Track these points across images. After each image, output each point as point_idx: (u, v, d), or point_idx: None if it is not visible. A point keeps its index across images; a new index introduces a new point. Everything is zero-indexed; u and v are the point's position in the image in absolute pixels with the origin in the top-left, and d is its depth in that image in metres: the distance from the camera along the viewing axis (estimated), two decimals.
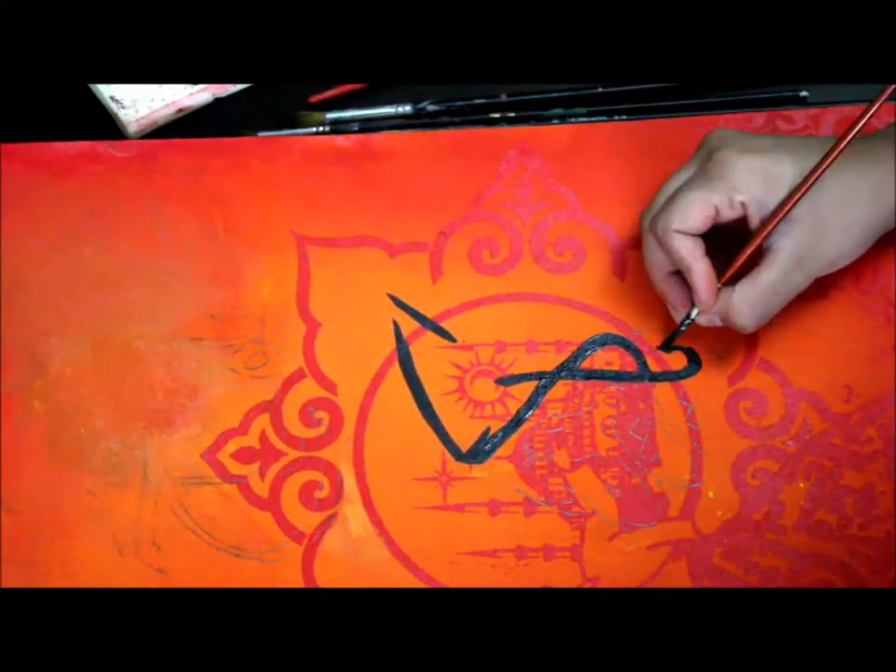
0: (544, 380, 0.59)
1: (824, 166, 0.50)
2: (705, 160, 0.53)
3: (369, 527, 0.57)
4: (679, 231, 0.52)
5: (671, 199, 0.52)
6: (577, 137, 0.62)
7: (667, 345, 0.58)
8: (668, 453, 0.58)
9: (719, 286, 0.53)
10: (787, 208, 0.51)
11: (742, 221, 0.52)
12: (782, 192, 0.51)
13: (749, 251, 0.52)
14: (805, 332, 0.59)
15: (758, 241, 0.52)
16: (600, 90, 0.64)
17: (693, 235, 0.52)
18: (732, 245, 0.53)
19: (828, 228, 0.52)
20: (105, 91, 0.63)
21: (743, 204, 0.51)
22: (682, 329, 0.56)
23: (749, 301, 0.52)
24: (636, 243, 0.60)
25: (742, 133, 0.53)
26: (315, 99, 0.65)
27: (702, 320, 0.54)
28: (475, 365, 0.59)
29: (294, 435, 0.59)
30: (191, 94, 0.64)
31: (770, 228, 0.51)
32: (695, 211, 0.51)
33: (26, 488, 0.58)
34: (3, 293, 0.60)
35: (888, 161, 0.53)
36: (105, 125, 0.64)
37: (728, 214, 0.52)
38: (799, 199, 0.51)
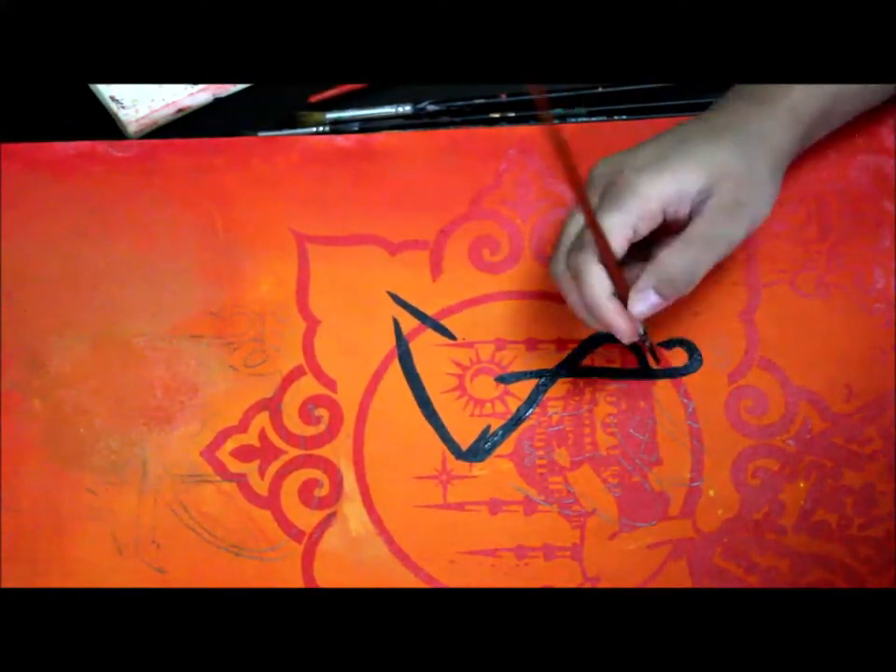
0: (544, 378, 0.59)
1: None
2: (605, 188, 0.52)
3: (368, 526, 0.57)
4: (600, 263, 0.51)
5: (583, 234, 0.52)
6: (577, 137, 0.62)
7: (655, 358, 0.58)
8: (669, 451, 0.58)
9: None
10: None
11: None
12: (692, 179, 0.51)
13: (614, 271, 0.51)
14: (806, 332, 0.59)
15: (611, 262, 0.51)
16: (600, 90, 0.64)
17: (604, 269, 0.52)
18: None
19: (743, 180, 0.52)
20: (105, 90, 0.63)
21: (662, 211, 0.51)
22: (646, 343, 0.56)
23: (679, 254, 0.51)
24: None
25: (624, 154, 0.53)
26: (314, 99, 0.65)
27: (638, 305, 0.52)
28: (475, 363, 0.59)
29: (294, 433, 0.59)
30: (191, 94, 0.64)
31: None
32: (615, 237, 0.51)
33: (26, 487, 0.58)
34: (3, 293, 0.61)
35: (754, 109, 0.53)
36: (105, 125, 0.64)
37: (645, 229, 0.51)
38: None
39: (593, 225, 0.50)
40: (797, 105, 0.54)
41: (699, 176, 0.51)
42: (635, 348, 0.59)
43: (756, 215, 0.53)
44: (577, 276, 0.52)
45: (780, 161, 0.54)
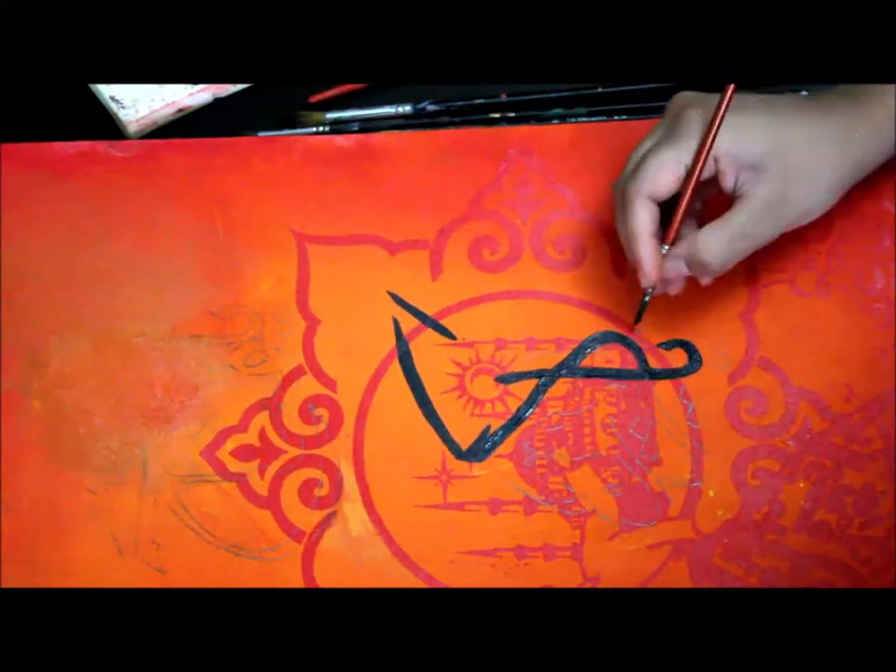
0: (544, 378, 0.59)
1: (718, 118, 0.51)
2: (671, 124, 0.53)
3: (368, 526, 0.57)
4: (649, 196, 0.52)
5: (641, 162, 0.52)
6: (577, 137, 0.62)
7: (638, 320, 0.58)
8: (669, 452, 0.58)
9: (665, 248, 0.53)
10: (701, 163, 0.51)
11: (710, 181, 0.53)
12: (755, 142, 0.51)
13: (684, 203, 0.52)
14: (806, 332, 0.59)
15: (689, 192, 0.52)
16: (600, 90, 0.64)
17: (657, 204, 0.52)
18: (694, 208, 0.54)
19: (797, 178, 0.52)
20: (105, 90, 0.63)
21: (715, 159, 0.51)
22: (647, 298, 0.56)
23: (716, 238, 0.52)
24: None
25: (706, 94, 0.53)
26: (314, 99, 0.65)
27: (667, 267, 0.53)
28: (475, 363, 0.59)
29: (294, 433, 0.59)
30: (191, 94, 0.64)
31: (694, 182, 0.52)
32: (666, 172, 0.51)
33: (26, 487, 0.58)
34: (3, 293, 0.61)
35: (851, 111, 0.53)
36: (105, 125, 0.64)
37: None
38: (708, 154, 0.51)
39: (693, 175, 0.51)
40: (892, 115, 0.53)
41: (757, 148, 0.51)
42: (634, 347, 0.59)
43: (801, 215, 0.53)
44: (625, 205, 0.53)
45: (855, 170, 0.53)
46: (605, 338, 0.59)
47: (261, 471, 0.58)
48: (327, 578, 0.57)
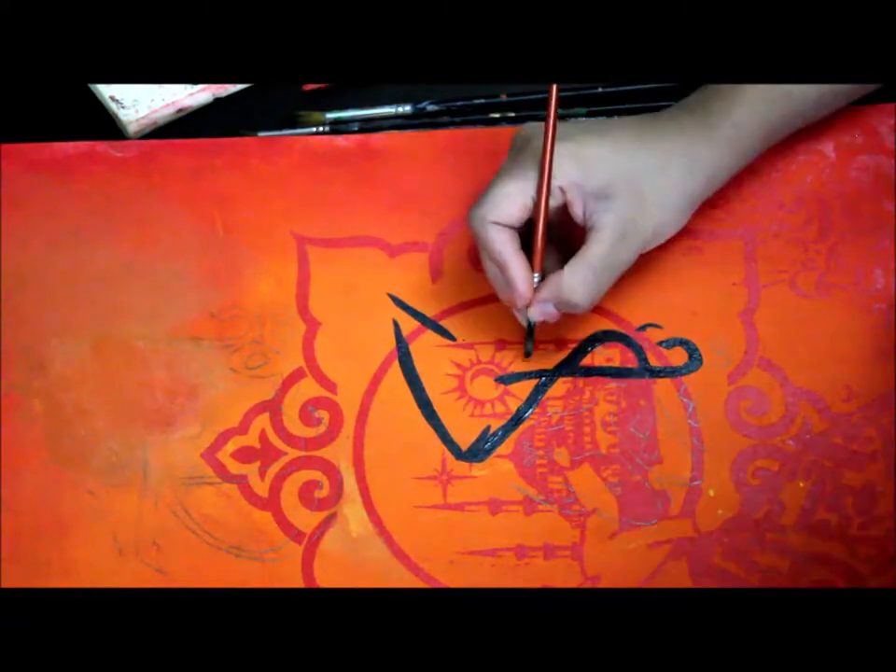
0: (544, 378, 0.59)
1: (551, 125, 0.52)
2: (517, 152, 0.53)
3: (369, 527, 0.57)
4: (495, 223, 0.52)
5: (487, 191, 0.53)
6: None
7: (529, 353, 0.58)
8: (669, 450, 0.58)
9: (536, 276, 0.54)
10: (544, 187, 0.52)
11: (562, 209, 0.53)
12: (598, 171, 0.51)
13: (539, 234, 0.53)
14: (806, 332, 0.59)
15: (540, 223, 0.53)
16: (600, 90, 0.64)
17: (510, 228, 0.53)
18: (554, 235, 0.55)
19: (645, 203, 0.52)
20: (105, 90, 0.63)
21: (561, 189, 0.52)
22: (532, 330, 0.56)
23: (579, 277, 0.52)
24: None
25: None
26: (308, 88, 0.65)
27: (535, 312, 0.54)
28: (475, 364, 0.59)
29: (294, 434, 0.59)
30: (191, 94, 0.64)
31: (542, 209, 0.52)
32: (511, 202, 0.52)
33: (26, 488, 0.58)
34: (3, 293, 0.61)
35: (694, 129, 0.53)
36: (105, 125, 0.64)
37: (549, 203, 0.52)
38: (549, 178, 0.52)
39: (540, 212, 0.52)
40: (738, 128, 0.53)
41: (601, 176, 0.51)
42: (634, 346, 0.59)
43: (654, 237, 0.53)
44: (479, 236, 0.53)
45: (703, 187, 0.54)
46: (605, 337, 0.59)
47: (262, 473, 0.58)
48: (327, 578, 0.57)
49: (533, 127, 0.54)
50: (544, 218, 0.53)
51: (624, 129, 0.53)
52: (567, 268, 0.53)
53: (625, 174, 0.52)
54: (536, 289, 0.54)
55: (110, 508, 0.58)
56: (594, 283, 0.53)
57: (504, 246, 0.53)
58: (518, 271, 0.53)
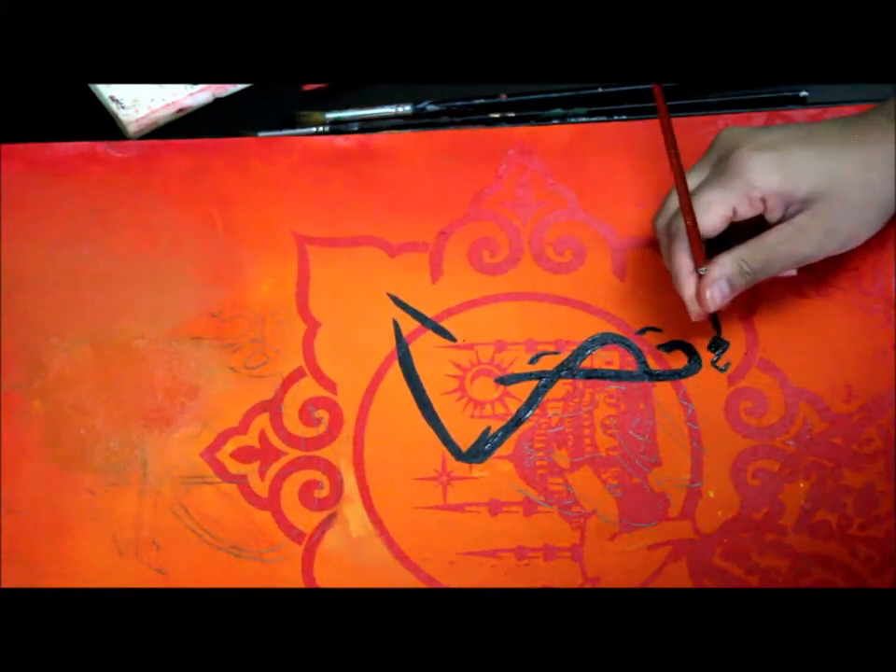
0: (544, 379, 0.59)
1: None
2: (718, 161, 0.53)
3: (369, 527, 0.57)
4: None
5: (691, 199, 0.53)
6: (577, 137, 0.62)
7: (717, 348, 0.59)
8: (668, 453, 0.58)
9: (702, 270, 0.53)
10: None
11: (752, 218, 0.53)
12: (804, 180, 0.51)
13: (697, 246, 0.53)
14: (805, 332, 0.59)
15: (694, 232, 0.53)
16: (600, 90, 0.64)
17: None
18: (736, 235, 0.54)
19: (847, 206, 0.52)
20: (105, 90, 0.63)
21: (763, 200, 0.52)
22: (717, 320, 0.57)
23: (752, 253, 0.52)
24: (636, 242, 0.60)
25: (752, 130, 0.54)
26: (308, 88, 0.65)
27: (713, 292, 0.53)
28: (475, 364, 0.59)
29: (294, 434, 0.59)
30: (191, 94, 0.64)
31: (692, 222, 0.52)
32: (713, 212, 0.52)
33: (26, 488, 0.58)
34: (3, 293, 0.61)
35: (888, 137, 0.52)
36: (105, 125, 0.64)
37: (746, 212, 0.52)
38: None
39: (685, 207, 0.51)
40: None
41: (808, 184, 0.51)
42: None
43: (847, 242, 0.53)
44: (670, 242, 0.53)
45: (891, 205, 0.53)
46: (604, 339, 0.59)
47: (262, 473, 0.58)
48: (327, 579, 0.57)
49: (738, 133, 0.53)
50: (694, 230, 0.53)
51: (829, 134, 0.53)
52: (746, 245, 0.53)
53: (830, 181, 0.51)
54: (707, 275, 0.53)
55: (110, 507, 0.58)
56: (764, 259, 0.52)
57: (683, 267, 0.53)
58: (689, 290, 0.53)
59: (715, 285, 0.53)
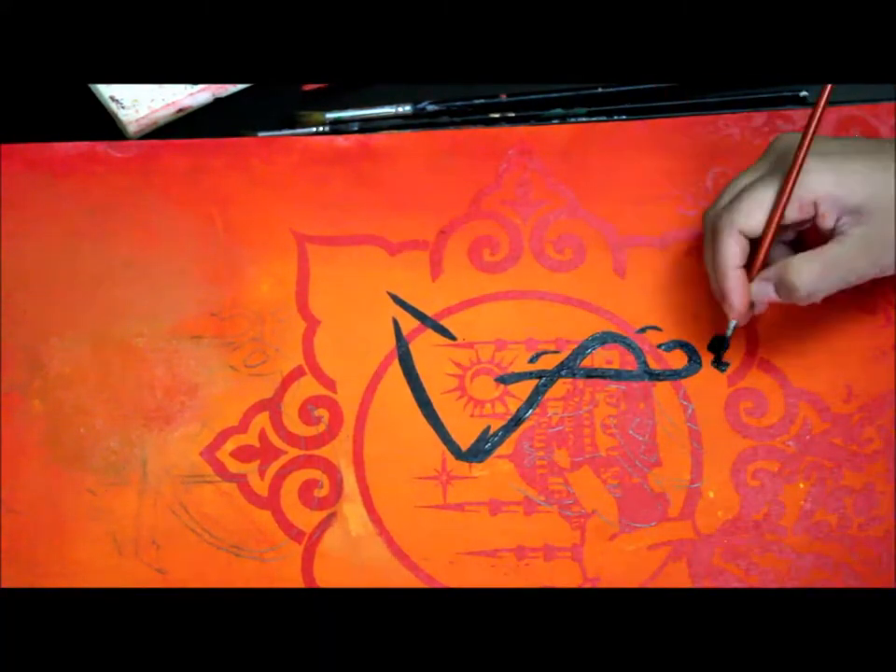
0: (544, 378, 0.59)
1: (796, 167, 0.52)
2: (775, 162, 0.53)
3: (368, 526, 0.57)
4: (741, 231, 0.52)
5: (739, 196, 0.53)
6: (577, 137, 0.62)
7: (719, 358, 0.58)
8: (668, 453, 0.58)
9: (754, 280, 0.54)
10: (780, 211, 0.52)
11: (805, 221, 0.53)
12: (859, 187, 0.51)
13: (767, 241, 0.53)
14: (806, 332, 0.59)
15: (771, 230, 0.52)
16: (600, 90, 0.64)
17: (747, 240, 0.53)
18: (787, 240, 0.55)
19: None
20: (105, 90, 0.63)
21: (815, 204, 0.52)
22: (730, 333, 0.56)
23: (808, 265, 0.52)
24: (636, 241, 0.60)
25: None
26: (308, 88, 0.65)
27: (757, 289, 0.54)
28: (475, 363, 0.59)
29: (294, 433, 0.59)
30: (191, 94, 0.64)
31: (777, 219, 0.52)
32: (763, 209, 0.52)
33: (26, 488, 0.58)
34: (3, 293, 0.61)
35: None
36: (105, 125, 0.64)
37: (794, 215, 0.52)
38: (787, 200, 0.52)
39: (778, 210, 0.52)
40: None
41: (861, 191, 0.51)
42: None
43: (891, 258, 0.53)
44: (715, 236, 0.53)
45: None
46: (605, 338, 0.59)
47: (261, 472, 0.58)
48: (327, 578, 0.57)
49: (795, 137, 0.53)
50: (773, 231, 0.53)
51: (883, 147, 0.53)
52: (801, 254, 0.52)
53: (884, 192, 0.51)
54: (760, 272, 0.54)
55: (110, 507, 0.58)
56: (820, 275, 0.52)
57: (735, 258, 0.53)
58: (736, 284, 0.53)
59: (761, 284, 0.53)
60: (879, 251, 0.52)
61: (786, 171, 0.52)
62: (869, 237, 0.52)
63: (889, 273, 0.53)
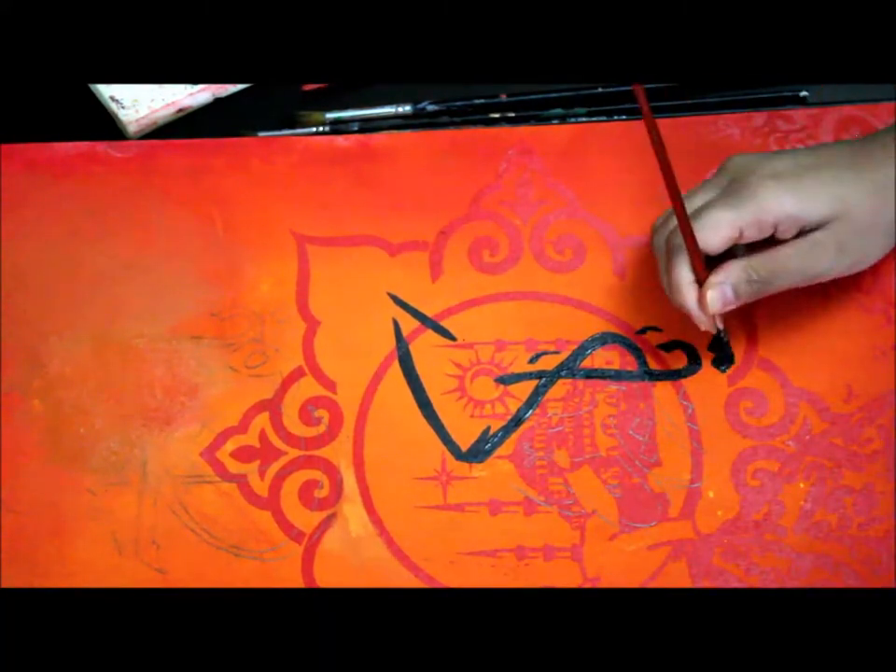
0: (544, 379, 0.59)
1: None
2: (729, 184, 0.53)
3: (368, 527, 0.57)
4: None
5: (695, 217, 0.52)
6: (577, 137, 0.62)
7: (721, 360, 0.59)
8: (668, 453, 0.58)
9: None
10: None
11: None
12: (818, 204, 0.52)
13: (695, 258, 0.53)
14: (805, 332, 0.59)
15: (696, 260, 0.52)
16: (600, 90, 0.64)
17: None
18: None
19: (858, 229, 0.52)
20: (105, 90, 0.63)
21: (774, 225, 0.52)
22: (724, 337, 0.57)
23: (762, 262, 0.52)
24: (636, 241, 0.60)
25: (764, 156, 0.54)
26: (308, 88, 0.65)
27: (714, 295, 0.53)
28: (475, 364, 0.59)
29: (293, 434, 0.59)
30: (191, 94, 0.64)
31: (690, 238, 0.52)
32: (721, 232, 0.52)
33: (26, 488, 0.58)
34: (3, 293, 0.61)
35: (892, 162, 0.53)
36: (105, 125, 0.64)
37: (752, 235, 0.52)
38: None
39: (680, 217, 0.51)
40: None
41: (821, 209, 0.52)
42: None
43: (856, 264, 0.54)
44: (671, 257, 0.53)
45: None
46: (605, 339, 0.59)
47: (261, 472, 0.58)
48: (327, 578, 0.57)
49: (749, 160, 0.53)
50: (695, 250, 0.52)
51: (839, 159, 0.53)
52: (756, 255, 0.53)
53: (843, 205, 0.52)
54: (710, 278, 0.53)
55: (110, 507, 0.58)
56: (773, 271, 0.52)
57: (688, 278, 0.53)
58: (693, 301, 0.53)
59: (718, 288, 0.53)
60: (838, 256, 0.53)
61: (742, 193, 0.52)
62: (825, 242, 0.52)
63: (850, 273, 0.54)
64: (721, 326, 0.56)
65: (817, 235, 0.52)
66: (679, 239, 0.52)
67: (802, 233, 0.52)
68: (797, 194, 0.51)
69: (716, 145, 0.62)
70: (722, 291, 0.53)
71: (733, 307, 0.53)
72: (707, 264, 0.53)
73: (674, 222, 0.53)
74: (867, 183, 0.52)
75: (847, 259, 0.53)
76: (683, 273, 0.53)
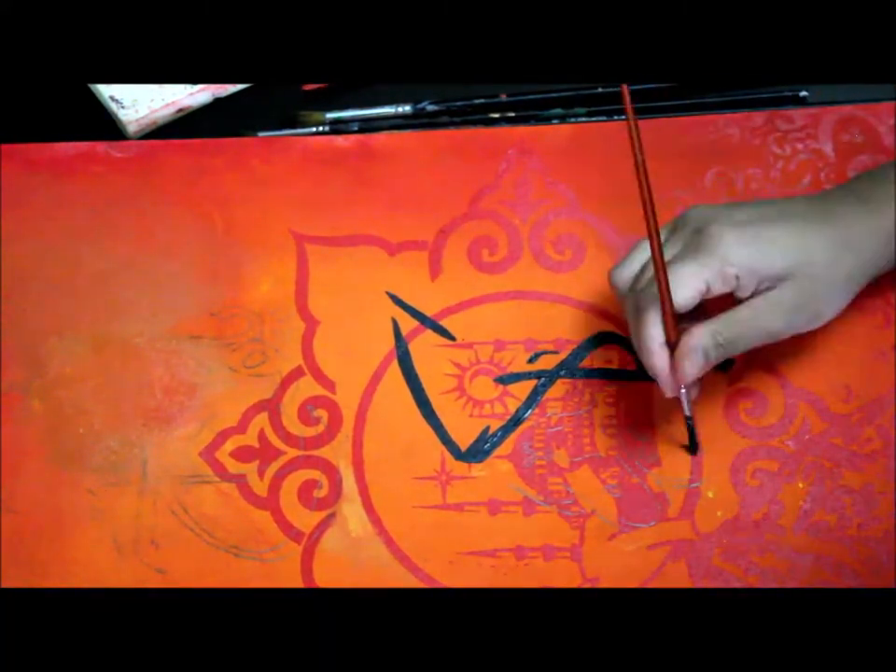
0: (543, 379, 0.59)
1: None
2: (692, 236, 0.52)
3: (368, 527, 0.57)
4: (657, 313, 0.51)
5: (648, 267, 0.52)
6: (577, 137, 0.62)
7: (694, 446, 0.57)
8: (668, 453, 0.58)
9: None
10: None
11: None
12: (778, 257, 0.51)
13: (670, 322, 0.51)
14: (805, 332, 0.59)
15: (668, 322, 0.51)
16: (600, 90, 0.64)
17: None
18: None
19: (816, 285, 0.52)
20: (105, 90, 0.63)
21: (737, 277, 0.51)
22: (691, 426, 0.56)
23: (725, 325, 0.52)
24: (635, 242, 0.60)
25: (725, 207, 0.53)
26: (308, 88, 0.65)
27: (688, 367, 0.51)
28: (474, 363, 0.59)
29: (293, 434, 0.59)
30: (191, 94, 0.64)
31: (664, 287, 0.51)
32: (688, 287, 0.51)
33: (26, 488, 0.58)
34: (3, 293, 0.61)
35: (864, 218, 0.53)
36: (105, 125, 0.64)
37: (719, 288, 0.51)
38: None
39: (660, 273, 0.50)
40: None
41: (780, 261, 0.51)
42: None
43: (812, 320, 0.53)
44: (639, 314, 0.52)
45: (868, 277, 0.53)
46: (604, 339, 0.59)
47: (260, 472, 0.58)
48: (326, 578, 0.57)
49: (711, 210, 0.53)
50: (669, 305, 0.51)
51: (800, 211, 0.53)
52: (719, 317, 0.52)
53: (802, 259, 0.51)
54: (683, 346, 0.52)
55: (109, 507, 0.58)
56: (736, 334, 0.52)
57: (658, 339, 0.52)
58: (665, 363, 0.52)
59: (692, 355, 0.51)
60: (794, 313, 0.52)
61: (705, 245, 0.51)
62: (784, 301, 0.51)
63: (809, 329, 0.53)
64: (688, 413, 0.55)
65: (773, 294, 0.51)
66: (649, 296, 0.51)
67: (758, 291, 0.52)
68: (756, 244, 0.51)
69: (716, 145, 0.62)
70: (696, 358, 0.51)
71: (703, 373, 0.52)
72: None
73: (644, 277, 0.52)
74: (826, 238, 0.52)
75: (803, 317, 0.52)
76: (655, 334, 0.52)
